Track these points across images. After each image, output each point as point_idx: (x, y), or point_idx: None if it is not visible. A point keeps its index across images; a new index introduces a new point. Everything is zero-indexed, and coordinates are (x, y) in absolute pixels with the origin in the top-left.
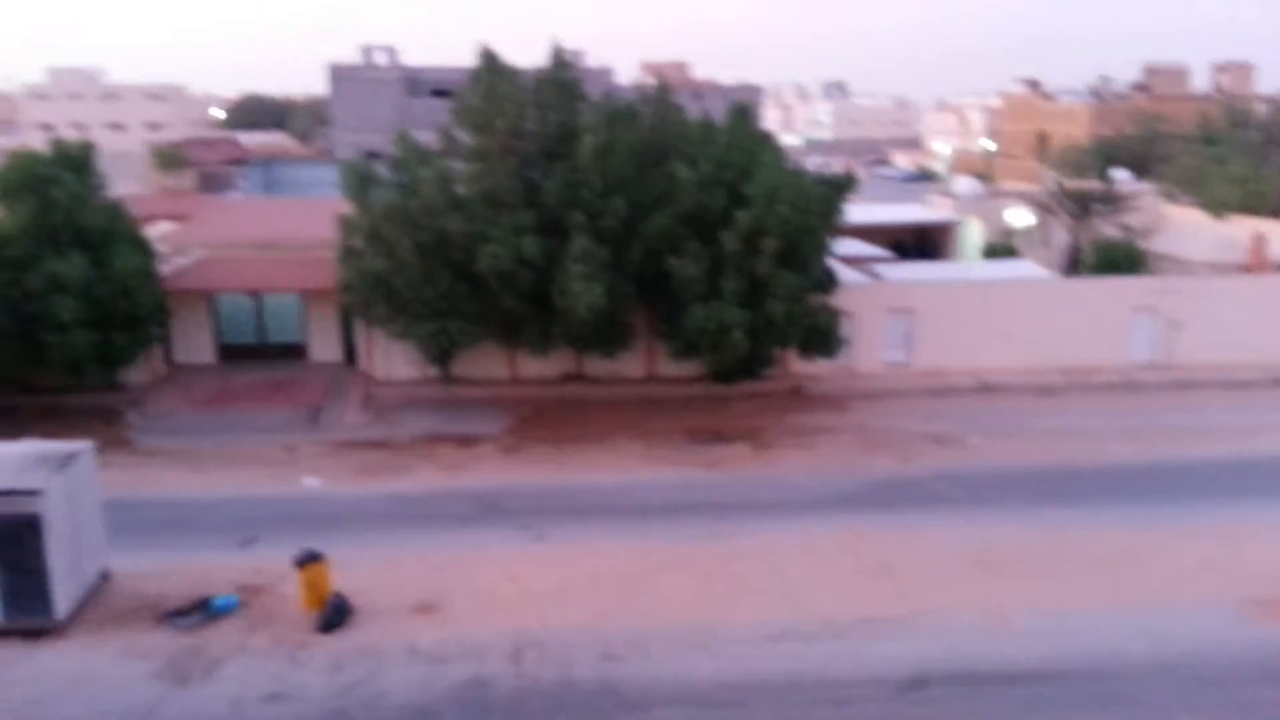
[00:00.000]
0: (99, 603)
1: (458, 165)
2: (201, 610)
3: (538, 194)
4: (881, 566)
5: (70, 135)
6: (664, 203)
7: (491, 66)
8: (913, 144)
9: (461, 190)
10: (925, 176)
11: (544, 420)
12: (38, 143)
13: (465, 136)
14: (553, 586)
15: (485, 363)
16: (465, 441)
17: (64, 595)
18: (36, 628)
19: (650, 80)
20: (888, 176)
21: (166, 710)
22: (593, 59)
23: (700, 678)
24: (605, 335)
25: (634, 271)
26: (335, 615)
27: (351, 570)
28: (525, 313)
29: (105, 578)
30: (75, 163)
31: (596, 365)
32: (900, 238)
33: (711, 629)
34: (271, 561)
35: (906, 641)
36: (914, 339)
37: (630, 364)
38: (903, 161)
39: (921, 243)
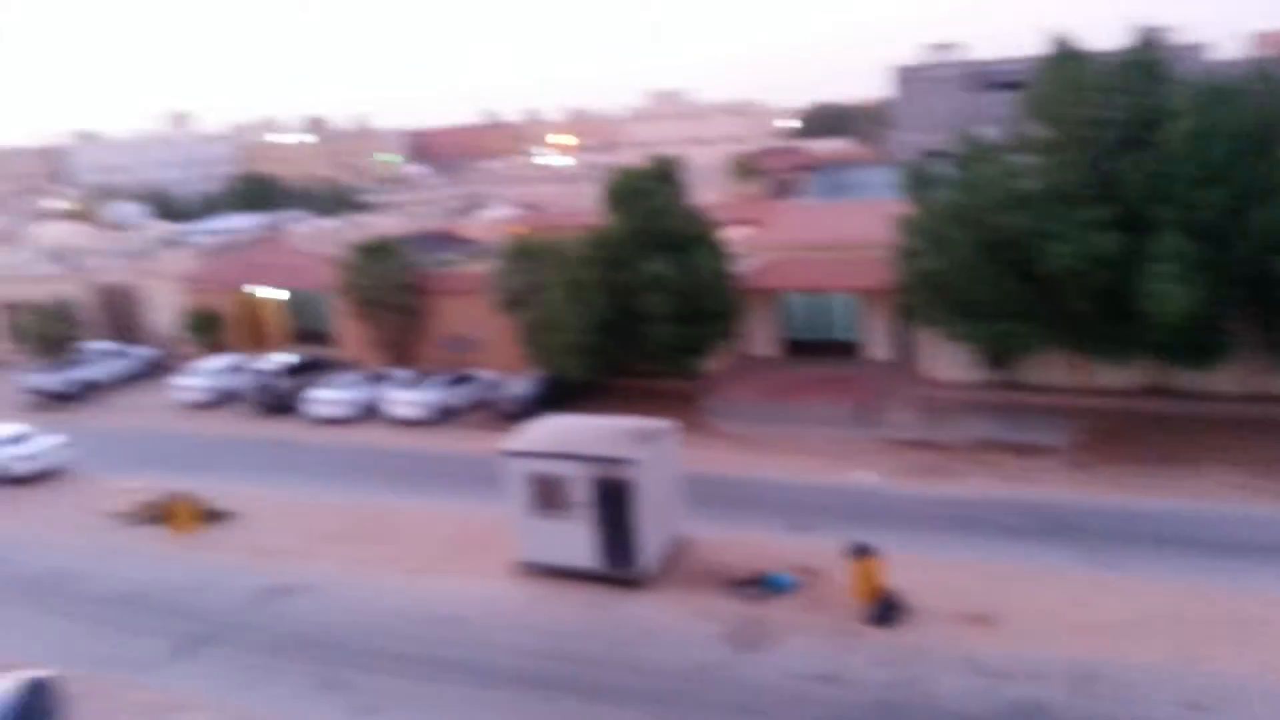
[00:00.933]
0: (676, 564)
1: (1024, 160)
2: (761, 584)
3: (1115, 186)
4: None
5: (663, 151)
6: (1277, 193)
7: (1065, 52)
8: None
9: (1028, 186)
10: None
11: (1119, 435)
12: (636, 159)
13: (1035, 129)
14: (1126, 618)
15: (1048, 368)
16: (1025, 451)
17: (649, 553)
18: (626, 578)
19: (1262, 53)
20: None
21: (731, 671)
22: (1186, 35)
23: None
24: (1198, 344)
25: (1237, 272)
26: (887, 610)
27: (902, 568)
28: (1098, 316)
29: (682, 542)
30: (666, 175)
31: (1185, 377)
32: None
33: None
34: (823, 548)
35: None
36: None
37: (1228, 378)
38: None
39: None
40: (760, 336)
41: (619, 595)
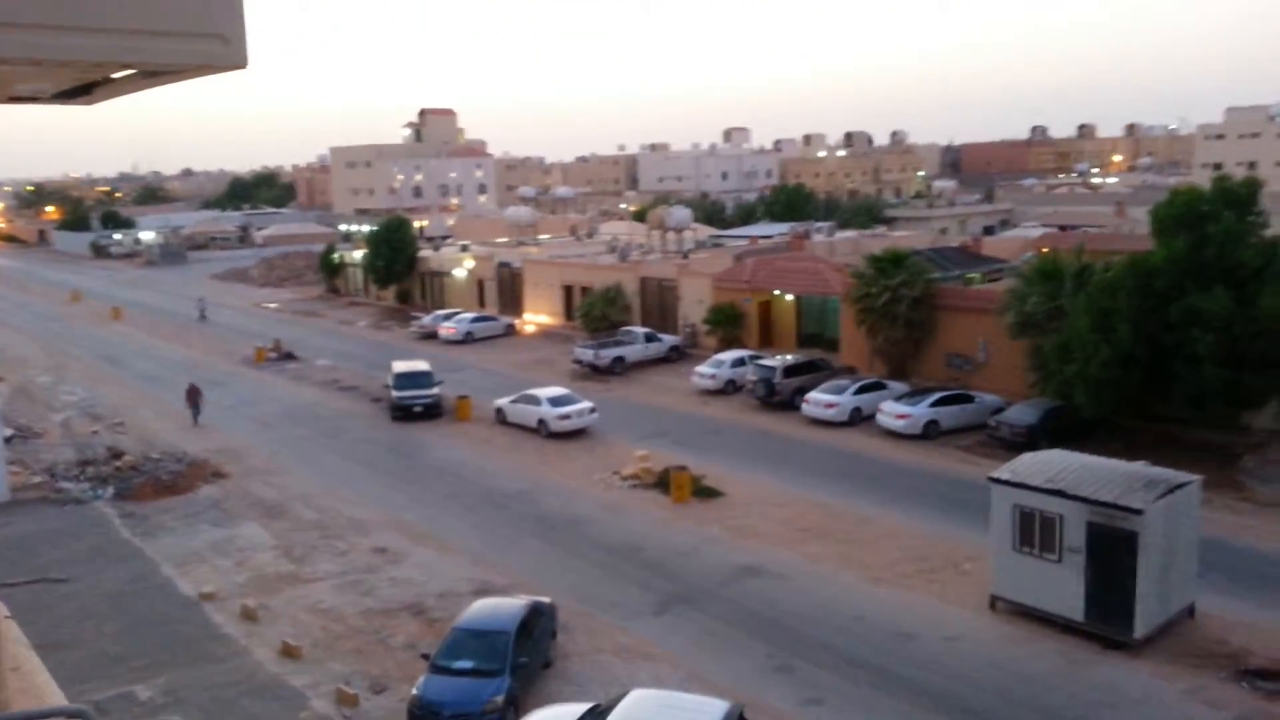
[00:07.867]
0: (1176, 634)
1: None
2: None
3: None
4: None
5: (1239, 174)
6: None
7: None
8: None
9: None
10: None
11: None
12: (1203, 181)
13: None
14: None
15: None
16: None
17: (1144, 616)
18: (1113, 638)
19: None
20: None
21: None
22: None
23: None
24: None
25: None
26: None
27: None
28: None
29: (1188, 613)
30: (1237, 200)
31: None
32: None
33: None
34: None
35: None
36: None
37: None
38: None
39: None
40: None
41: (1100, 655)
